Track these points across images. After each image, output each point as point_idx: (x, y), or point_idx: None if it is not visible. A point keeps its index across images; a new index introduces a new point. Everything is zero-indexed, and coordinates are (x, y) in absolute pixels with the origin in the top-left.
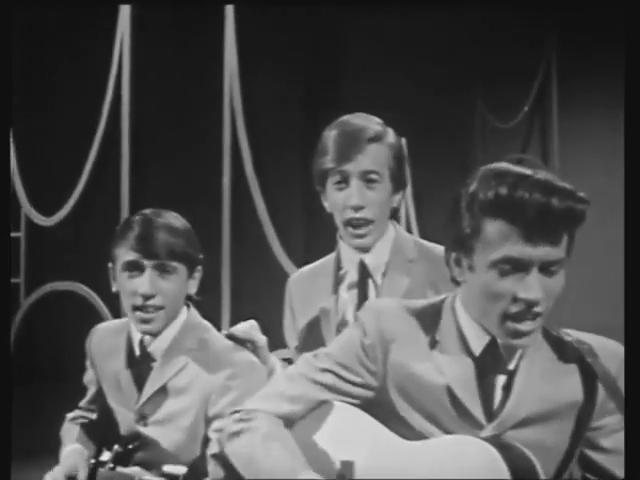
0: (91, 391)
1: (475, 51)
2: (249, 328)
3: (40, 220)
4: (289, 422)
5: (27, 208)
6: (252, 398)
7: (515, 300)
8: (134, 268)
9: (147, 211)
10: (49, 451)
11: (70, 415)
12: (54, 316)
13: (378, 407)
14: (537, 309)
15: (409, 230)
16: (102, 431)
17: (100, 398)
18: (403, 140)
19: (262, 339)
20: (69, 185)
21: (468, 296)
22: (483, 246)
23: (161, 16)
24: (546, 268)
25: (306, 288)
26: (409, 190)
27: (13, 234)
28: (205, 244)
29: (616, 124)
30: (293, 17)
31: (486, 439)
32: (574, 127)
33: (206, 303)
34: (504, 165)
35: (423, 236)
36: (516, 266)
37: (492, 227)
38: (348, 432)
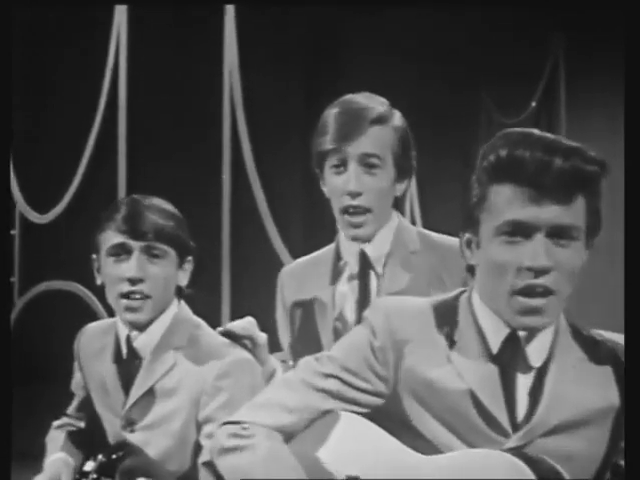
0: (79, 397)
1: (480, 49)
2: (247, 324)
3: (35, 218)
4: (289, 435)
5: (22, 205)
6: (247, 406)
7: (520, 271)
8: (121, 251)
9: (135, 195)
10: (43, 453)
11: (56, 422)
12: (49, 315)
13: (388, 416)
14: (546, 282)
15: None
16: (91, 439)
17: (88, 405)
18: None
19: (262, 336)
20: (64, 182)
21: (480, 280)
22: (488, 214)
23: (161, 16)
24: (556, 235)
25: (300, 280)
26: (414, 186)
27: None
28: (204, 240)
29: (616, 125)
30: (293, 17)
31: (511, 451)
32: (581, 124)
33: (205, 299)
34: (509, 129)
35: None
36: (521, 232)
37: (497, 192)
38: (355, 445)
